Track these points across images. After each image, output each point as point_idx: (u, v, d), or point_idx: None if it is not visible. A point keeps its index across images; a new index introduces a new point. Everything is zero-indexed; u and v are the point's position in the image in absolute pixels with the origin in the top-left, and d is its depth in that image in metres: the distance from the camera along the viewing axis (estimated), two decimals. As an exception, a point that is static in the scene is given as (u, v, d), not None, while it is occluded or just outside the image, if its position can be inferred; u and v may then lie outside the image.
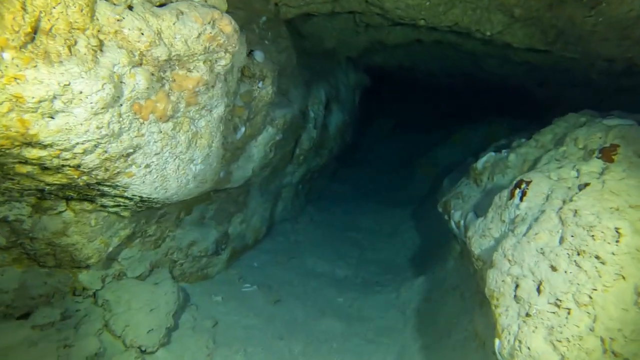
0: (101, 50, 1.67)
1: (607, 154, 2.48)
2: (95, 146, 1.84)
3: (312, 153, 5.26)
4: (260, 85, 3.24)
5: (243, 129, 3.28)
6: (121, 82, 1.79)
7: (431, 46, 5.49)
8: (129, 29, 1.75)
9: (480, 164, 3.73)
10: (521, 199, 2.49)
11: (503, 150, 3.62)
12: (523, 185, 2.52)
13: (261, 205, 4.69)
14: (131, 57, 1.80)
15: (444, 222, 3.89)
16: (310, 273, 4.62)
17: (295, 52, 4.49)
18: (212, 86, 2.40)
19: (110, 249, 2.76)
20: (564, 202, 2.21)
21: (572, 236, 1.96)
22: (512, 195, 2.59)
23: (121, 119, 1.88)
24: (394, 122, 8.85)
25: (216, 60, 2.30)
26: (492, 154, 3.68)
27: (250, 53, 3.14)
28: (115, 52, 1.72)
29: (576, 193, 2.17)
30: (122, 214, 2.69)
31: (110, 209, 2.58)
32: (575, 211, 2.03)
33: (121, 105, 1.86)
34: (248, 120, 3.32)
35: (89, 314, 2.67)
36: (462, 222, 3.42)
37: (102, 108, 1.73)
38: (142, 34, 1.79)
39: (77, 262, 2.62)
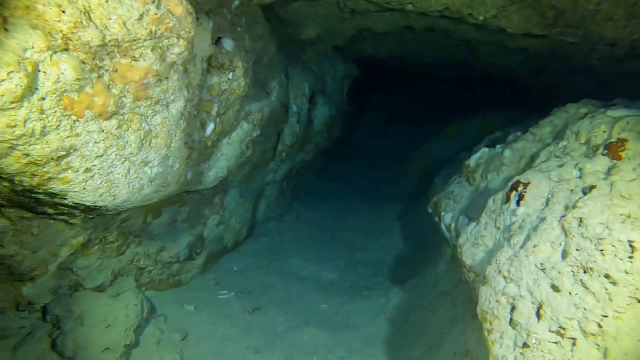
0: (5, 30, 1.37)
1: (614, 151, 2.20)
2: (11, 148, 1.55)
3: (296, 149, 4.97)
4: (230, 76, 2.93)
5: (212, 126, 2.98)
6: (38, 70, 1.49)
7: (423, 34, 5.18)
8: (45, 5, 1.44)
9: (473, 161, 3.44)
10: (518, 204, 2.21)
11: (498, 146, 3.33)
12: (520, 188, 2.24)
13: (241, 206, 4.40)
14: (51, 40, 1.50)
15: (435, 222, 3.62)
16: (295, 277, 4.35)
17: (275, 40, 4.17)
18: (166, 78, 2.10)
19: (61, 259, 2.47)
20: (567, 208, 1.93)
21: (577, 250, 1.68)
22: (507, 199, 2.31)
23: (44, 115, 1.58)
24: (386, 114, 8.54)
25: (168, 48, 2.00)
26: (486, 149, 3.40)
27: (218, 41, 2.83)
28: (26, 33, 1.42)
29: (581, 198, 1.89)
30: (71, 222, 2.39)
31: (56, 217, 2.28)
32: (581, 220, 1.76)
33: (43, 99, 1.56)
34: (218, 116, 3.02)
35: (34, 332, 2.38)
36: (453, 226, 3.15)
37: (12, 102, 1.43)
38: (64, 12, 1.49)
39: (18, 275, 2.32)
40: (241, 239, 4.60)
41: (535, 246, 1.85)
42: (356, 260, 4.77)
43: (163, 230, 3.44)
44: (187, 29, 1.99)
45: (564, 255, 1.73)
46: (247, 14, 3.36)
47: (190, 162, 2.90)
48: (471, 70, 6.81)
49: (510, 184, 2.33)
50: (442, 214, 3.32)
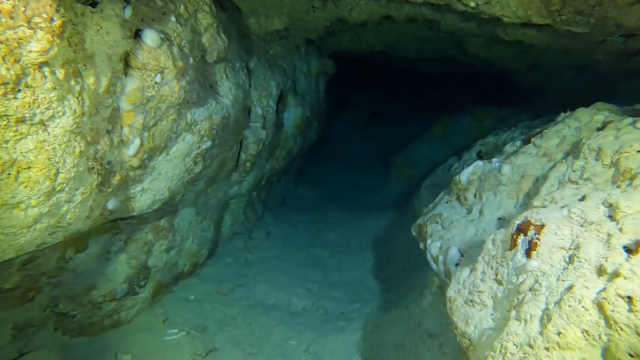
0: None
1: (656, 182, 1.59)
2: None
3: (264, 157, 4.31)
4: (157, 79, 2.26)
5: (137, 142, 2.31)
6: None
7: (405, 25, 4.55)
8: None
9: (464, 176, 2.82)
10: (528, 254, 1.59)
11: (494, 159, 2.71)
12: (530, 232, 1.62)
13: (198, 225, 3.74)
14: None
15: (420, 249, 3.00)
16: (260, 305, 3.72)
17: (232, 32, 3.50)
18: (28, 86, 1.43)
19: None
20: (602, 271, 1.31)
21: (631, 356, 1.06)
22: (513, 244, 1.69)
23: None
24: (368, 112, 7.90)
25: (19, 44, 1.32)
26: (480, 163, 2.78)
27: (137, 34, 2.15)
28: None
29: (625, 260, 1.28)
30: None
31: None
32: (630, 300, 1.14)
33: None
34: (145, 129, 2.35)
35: None
36: (441, 259, 2.53)
37: None
38: None
39: None
40: (201, 261, 3.95)
41: (559, 333, 1.23)
42: (331, 283, 4.15)
43: (91, 264, 2.77)
44: (46, 15, 1.31)
45: (608, 358, 1.12)
46: (187, 1, 2.67)
47: (109, 188, 2.23)
48: (458, 65, 6.20)
49: (516, 223, 1.71)
50: (429, 241, 2.70)
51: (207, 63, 2.99)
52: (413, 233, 3.07)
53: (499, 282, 1.71)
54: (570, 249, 1.48)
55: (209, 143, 3.03)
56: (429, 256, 2.72)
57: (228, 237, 4.49)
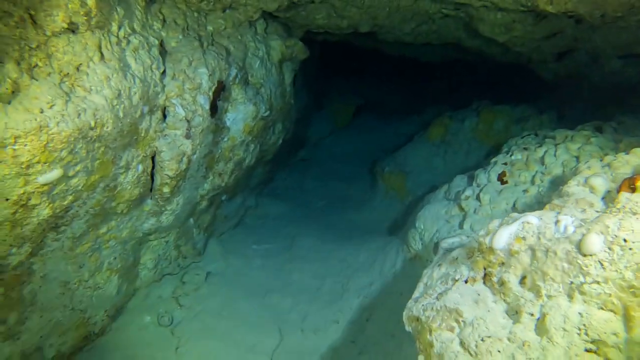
0: None
1: None
2: None
3: (199, 174, 2.95)
4: None
5: None
6: None
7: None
8: None
9: (500, 242, 1.50)
10: None
11: (565, 218, 1.38)
12: None
13: (83, 284, 2.40)
14: None
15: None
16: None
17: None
18: None
19: None
20: None
21: None
22: None
23: None
24: (355, 106, 6.52)
25: None
26: (534, 220, 1.45)
27: None
28: None
29: None
30: None
31: None
32: None
33: None
34: None
35: None
36: None
37: None
38: None
39: None
40: (97, 330, 2.62)
41: None
42: (288, 352, 2.83)
43: None
44: None
45: None
46: None
47: None
48: (463, 52, 4.85)
49: None
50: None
51: (51, 32, 1.62)
52: (406, 327, 1.75)
53: None
54: None
55: (55, 172, 1.67)
56: (436, 395, 1.40)
57: (154, 281, 3.16)
